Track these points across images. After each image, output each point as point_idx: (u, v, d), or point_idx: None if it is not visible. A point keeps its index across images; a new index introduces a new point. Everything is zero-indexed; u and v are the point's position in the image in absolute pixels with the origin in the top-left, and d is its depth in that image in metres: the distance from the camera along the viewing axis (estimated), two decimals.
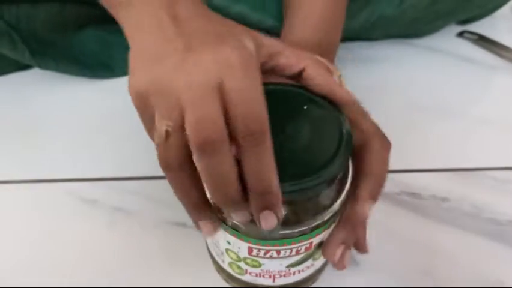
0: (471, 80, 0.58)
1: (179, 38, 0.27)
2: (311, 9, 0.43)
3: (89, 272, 0.40)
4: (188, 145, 0.26)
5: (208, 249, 0.39)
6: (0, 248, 0.42)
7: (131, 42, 0.29)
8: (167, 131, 0.26)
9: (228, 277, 0.38)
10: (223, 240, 0.33)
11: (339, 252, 0.33)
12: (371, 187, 0.32)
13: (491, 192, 0.47)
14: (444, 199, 0.46)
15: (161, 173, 0.44)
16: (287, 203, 0.29)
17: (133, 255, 0.41)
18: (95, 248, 0.42)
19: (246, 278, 0.36)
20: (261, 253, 0.32)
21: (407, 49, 0.60)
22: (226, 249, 0.34)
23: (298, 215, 0.30)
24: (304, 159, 0.29)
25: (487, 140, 0.51)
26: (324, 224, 0.32)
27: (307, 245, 0.33)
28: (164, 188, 0.43)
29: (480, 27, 0.62)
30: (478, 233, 0.44)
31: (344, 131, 0.30)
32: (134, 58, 0.28)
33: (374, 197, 0.32)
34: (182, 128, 0.26)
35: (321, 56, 0.34)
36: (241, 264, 0.34)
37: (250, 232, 0.31)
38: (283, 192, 0.27)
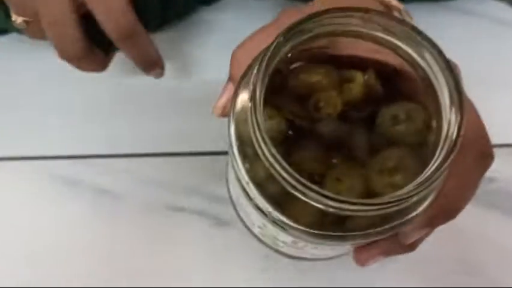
0: (509, 45, 0.53)
1: None
2: None
3: (70, 262, 0.39)
4: None
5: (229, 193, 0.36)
6: None
7: None
8: None
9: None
10: (260, 221, 0.30)
11: (372, 262, 0.32)
12: (433, 212, 0.28)
13: None
14: (491, 179, 0.42)
15: (155, 150, 0.42)
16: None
17: (121, 244, 0.40)
18: (76, 237, 0.40)
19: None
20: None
21: (438, 11, 0.56)
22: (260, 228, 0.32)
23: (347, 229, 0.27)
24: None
25: None
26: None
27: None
28: (159, 168, 0.42)
29: None
30: None
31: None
32: None
33: (432, 225, 0.29)
34: None
35: None
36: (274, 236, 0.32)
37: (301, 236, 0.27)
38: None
